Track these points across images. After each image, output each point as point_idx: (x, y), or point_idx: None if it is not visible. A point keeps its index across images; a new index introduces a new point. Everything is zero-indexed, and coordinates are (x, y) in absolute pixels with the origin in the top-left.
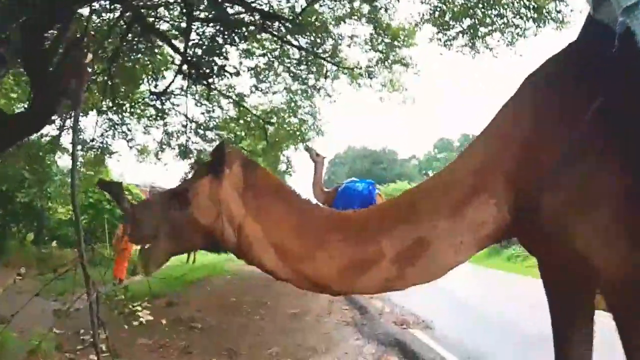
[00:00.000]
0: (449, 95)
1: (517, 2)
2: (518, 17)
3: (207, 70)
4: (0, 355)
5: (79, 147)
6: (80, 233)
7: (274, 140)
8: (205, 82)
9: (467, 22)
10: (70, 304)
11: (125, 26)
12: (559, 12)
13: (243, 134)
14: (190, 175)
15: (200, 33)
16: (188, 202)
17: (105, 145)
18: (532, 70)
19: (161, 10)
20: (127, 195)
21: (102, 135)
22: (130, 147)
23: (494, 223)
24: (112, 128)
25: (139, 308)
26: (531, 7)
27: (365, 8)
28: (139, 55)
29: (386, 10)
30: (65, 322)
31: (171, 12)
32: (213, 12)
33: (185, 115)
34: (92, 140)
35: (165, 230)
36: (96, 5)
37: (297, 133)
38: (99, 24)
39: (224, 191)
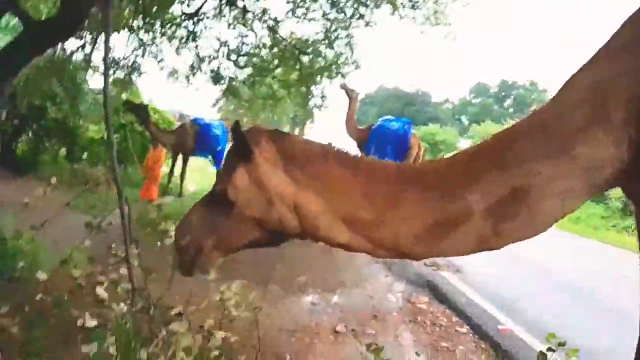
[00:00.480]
0: (490, 38)
1: None
2: None
3: None
4: (33, 263)
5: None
6: (113, 148)
7: (308, 72)
8: (239, 4)
9: None
10: (102, 218)
11: None
12: None
13: (276, 62)
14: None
15: None
16: (232, 203)
17: (135, 65)
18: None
19: None
20: (156, 117)
21: (132, 52)
22: (161, 68)
23: (611, 164)
24: (142, 47)
25: (172, 227)
26: None
27: None
28: None
29: None
30: (97, 235)
31: None
32: None
33: (218, 39)
34: (124, 58)
35: (213, 241)
36: None
37: (333, 66)
38: None
39: (264, 173)
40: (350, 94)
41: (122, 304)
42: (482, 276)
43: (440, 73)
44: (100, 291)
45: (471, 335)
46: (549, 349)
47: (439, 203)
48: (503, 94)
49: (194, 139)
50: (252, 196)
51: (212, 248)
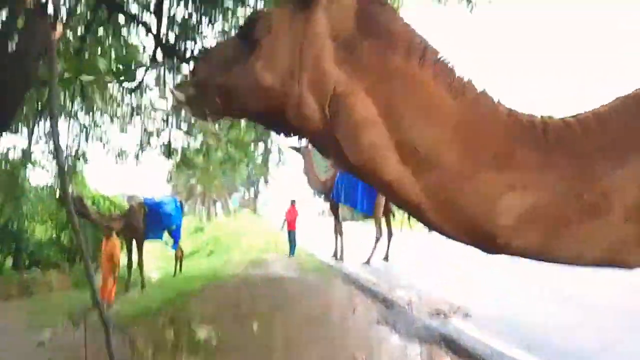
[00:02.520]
0: None
1: None
2: None
3: (187, 54)
4: None
5: (51, 155)
6: (86, 246)
7: (263, 129)
8: (183, 66)
9: None
10: (61, 331)
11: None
12: None
13: (229, 123)
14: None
15: (173, 14)
16: (255, 43)
17: (78, 153)
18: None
19: None
20: (102, 206)
21: (74, 140)
22: (107, 151)
23: None
24: (84, 131)
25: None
26: None
27: None
28: (107, 44)
29: None
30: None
31: None
32: None
33: (165, 110)
34: (66, 147)
35: (220, 85)
36: None
37: None
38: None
39: (312, 33)
40: (300, 151)
41: None
42: (497, 318)
43: None
44: None
45: None
46: None
47: (570, 178)
48: None
49: (144, 220)
50: (279, 53)
51: (217, 93)
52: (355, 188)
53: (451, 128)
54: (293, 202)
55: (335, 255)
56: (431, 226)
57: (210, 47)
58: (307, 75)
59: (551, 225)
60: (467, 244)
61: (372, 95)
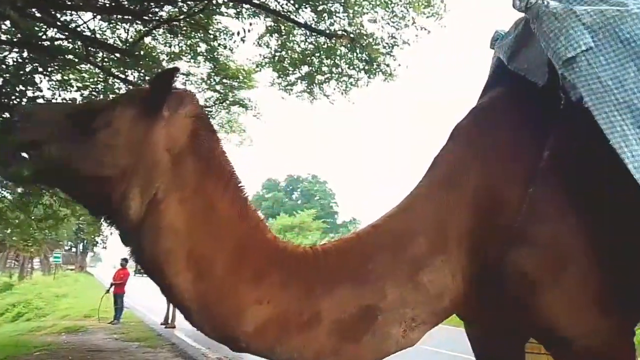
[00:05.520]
0: (279, 136)
1: (350, 54)
2: (351, 67)
3: (16, 101)
4: None
5: None
6: None
7: None
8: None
9: (305, 69)
10: None
11: None
12: (387, 65)
13: None
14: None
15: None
16: (93, 131)
17: None
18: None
19: None
20: None
21: None
22: None
23: (450, 294)
24: None
25: None
26: (363, 59)
27: (203, 46)
28: None
29: (225, 47)
30: None
31: None
32: (20, 34)
33: None
34: None
35: (54, 152)
36: None
37: None
38: None
39: (151, 140)
40: None
41: None
42: None
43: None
44: None
45: None
46: None
47: (293, 299)
48: (290, 187)
49: None
50: (117, 148)
51: (47, 157)
52: None
53: (231, 247)
54: (124, 261)
55: (165, 321)
56: (194, 324)
57: (31, 110)
58: (139, 177)
59: (278, 334)
60: (219, 342)
61: (183, 205)
